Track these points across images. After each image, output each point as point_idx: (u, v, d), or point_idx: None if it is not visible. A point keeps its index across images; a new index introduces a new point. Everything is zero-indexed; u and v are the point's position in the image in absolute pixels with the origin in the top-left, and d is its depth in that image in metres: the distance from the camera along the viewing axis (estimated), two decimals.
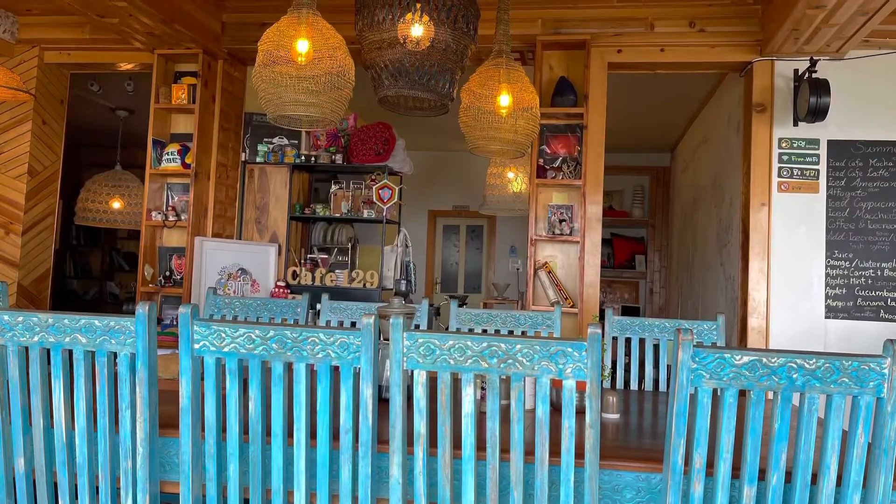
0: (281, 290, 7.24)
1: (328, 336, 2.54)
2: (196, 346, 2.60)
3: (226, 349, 2.58)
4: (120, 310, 13.23)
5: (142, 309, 2.61)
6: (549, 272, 6.65)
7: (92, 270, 14.33)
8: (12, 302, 7.30)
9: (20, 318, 2.69)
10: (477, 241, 13.93)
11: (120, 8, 5.88)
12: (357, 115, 8.08)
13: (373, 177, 7.81)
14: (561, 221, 6.64)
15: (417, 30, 3.92)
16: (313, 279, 7.50)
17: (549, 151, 6.75)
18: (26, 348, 2.71)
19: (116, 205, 9.28)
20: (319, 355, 2.54)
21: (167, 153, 7.19)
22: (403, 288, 7.71)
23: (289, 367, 2.65)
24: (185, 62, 7.39)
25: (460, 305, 5.08)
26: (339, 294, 7.20)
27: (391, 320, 2.48)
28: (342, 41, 3.79)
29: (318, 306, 5.26)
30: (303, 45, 3.65)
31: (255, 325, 2.58)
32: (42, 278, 7.80)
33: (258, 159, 7.76)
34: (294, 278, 7.52)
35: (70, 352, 2.70)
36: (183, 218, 7.21)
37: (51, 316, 2.67)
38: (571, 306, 6.54)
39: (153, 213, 7.21)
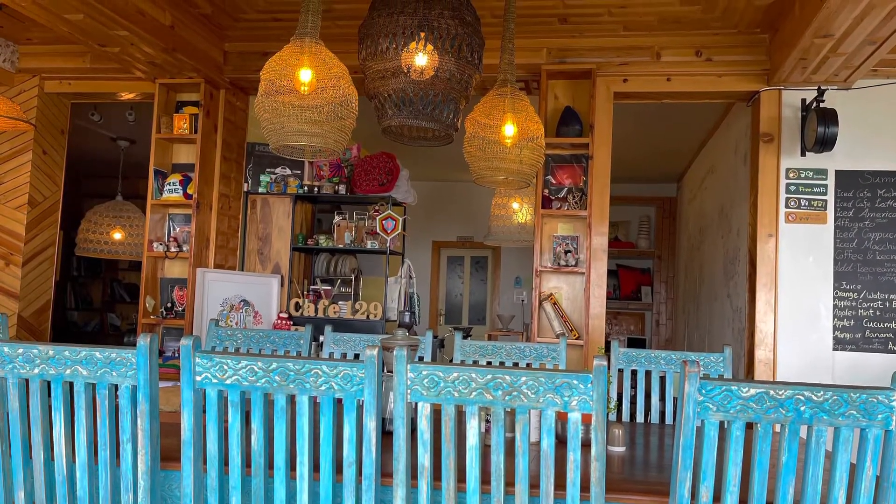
0: (283, 322, 7.22)
1: (331, 368, 2.52)
2: (198, 379, 2.58)
3: (228, 381, 2.56)
4: (121, 341, 13.23)
5: (143, 341, 2.59)
6: (555, 304, 6.62)
7: (93, 302, 14.31)
8: (12, 334, 7.27)
9: (20, 350, 2.67)
10: (481, 272, 13.92)
11: (121, 37, 5.89)
12: (360, 145, 8.08)
13: (376, 207, 7.79)
14: (566, 252, 6.62)
15: (421, 59, 3.92)
16: (316, 311, 7.47)
17: (554, 182, 6.74)
18: (27, 380, 2.70)
19: (117, 235, 9.27)
20: (322, 387, 2.52)
21: (169, 183, 7.17)
22: (407, 319, 7.65)
23: (291, 400, 2.62)
24: (186, 91, 7.40)
25: (465, 337, 5.06)
26: (342, 326, 7.17)
27: (395, 352, 2.46)
28: (345, 70, 3.78)
29: (321, 338, 5.23)
30: (305, 75, 3.64)
31: (258, 357, 2.56)
32: (42, 310, 7.78)
33: (261, 190, 7.75)
34: (297, 310, 7.49)
35: (71, 384, 2.68)
36: (185, 249, 7.19)
37: (51, 348, 2.65)
38: (577, 338, 6.51)
39: (155, 244, 7.20)
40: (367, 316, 7.44)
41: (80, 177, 13.65)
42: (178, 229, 7.35)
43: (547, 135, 6.28)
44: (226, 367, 2.57)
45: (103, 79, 7.54)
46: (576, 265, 6.60)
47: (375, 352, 2.50)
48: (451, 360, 6.56)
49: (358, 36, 4.18)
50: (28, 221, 7.50)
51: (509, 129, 4.30)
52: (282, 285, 7.63)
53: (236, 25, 6.92)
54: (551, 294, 6.69)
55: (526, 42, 6.54)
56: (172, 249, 7.16)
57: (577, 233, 6.75)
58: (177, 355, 6.74)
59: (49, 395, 2.72)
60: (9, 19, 6.78)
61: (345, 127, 3.79)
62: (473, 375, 2.43)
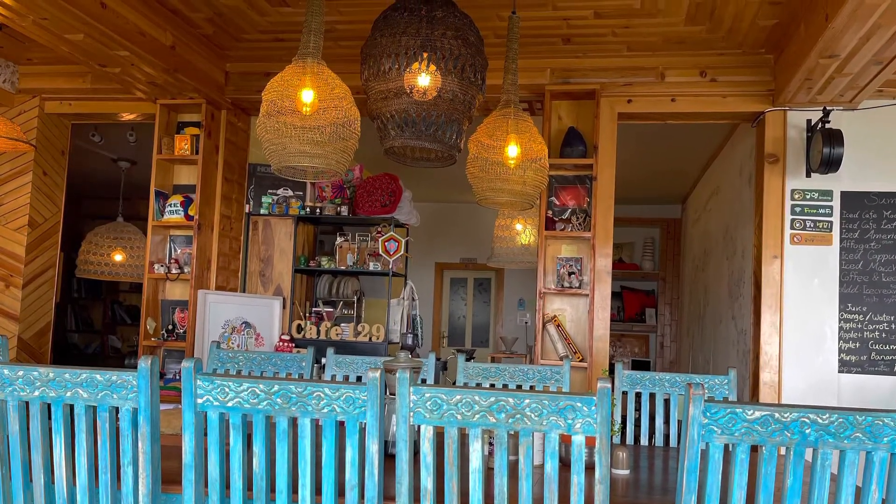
0: (285, 344, 7.19)
1: (333, 391, 2.50)
2: (199, 401, 2.56)
3: (229, 404, 2.55)
4: (122, 364, 13.20)
5: (144, 363, 2.58)
6: (558, 326, 6.60)
7: (93, 324, 14.31)
8: (13, 356, 7.26)
9: (20, 373, 2.66)
10: (484, 294, 13.92)
11: (121, 57, 5.89)
12: (363, 166, 8.07)
13: (379, 229, 7.77)
14: (570, 274, 6.60)
15: (424, 79, 3.91)
16: (318, 333, 7.45)
17: (557, 203, 6.73)
18: (27, 403, 2.69)
19: (118, 257, 9.26)
20: (324, 410, 2.50)
21: (170, 205, 7.16)
22: (410, 342, 7.63)
23: (293, 423, 2.60)
24: (187, 112, 7.39)
25: (468, 359, 5.03)
26: (344, 348, 7.14)
27: (398, 374, 2.44)
28: (347, 91, 3.77)
29: (324, 360, 5.21)
30: (308, 95, 3.63)
31: (260, 379, 2.54)
32: (43, 332, 7.75)
33: (262, 211, 7.73)
34: (299, 332, 7.47)
35: (71, 406, 2.67)
36: (186, 270, 7.18)
37: (51, 370, 2.64)
38: (581, 360, 6.49)
39: (156, 266, 7.18)
40: (370, 338, 7.41)
41: (81, 198, 13.68)
42: (179, 251, 7.34)
43: (550, 156, 6.26)
44: (227, 389, 2.55)
45: (104, 99, 7.54)
46: (579, 287, 6.58)
47: (378, 374, 2.49)
48: (454, 383, 6.54)
49: (360, 56, 4.17)
50: (28, 243, 7.48)
51: (513, 150, 4.29)
52: (284, 307, 7.60)
53: (238, 46, 6.92)
54: (555, 316, 6.67)
55: (529, 62, 6.53)
56: (174, 271, 7.15)
57: (580, 254, 6.73)
58: (178, 378, 6.72)
59: (49, 418, 2.70)
60: (9, 39, 6.78)
61: (347, 148, 3.78)
62: (476, 398, 2.41)
